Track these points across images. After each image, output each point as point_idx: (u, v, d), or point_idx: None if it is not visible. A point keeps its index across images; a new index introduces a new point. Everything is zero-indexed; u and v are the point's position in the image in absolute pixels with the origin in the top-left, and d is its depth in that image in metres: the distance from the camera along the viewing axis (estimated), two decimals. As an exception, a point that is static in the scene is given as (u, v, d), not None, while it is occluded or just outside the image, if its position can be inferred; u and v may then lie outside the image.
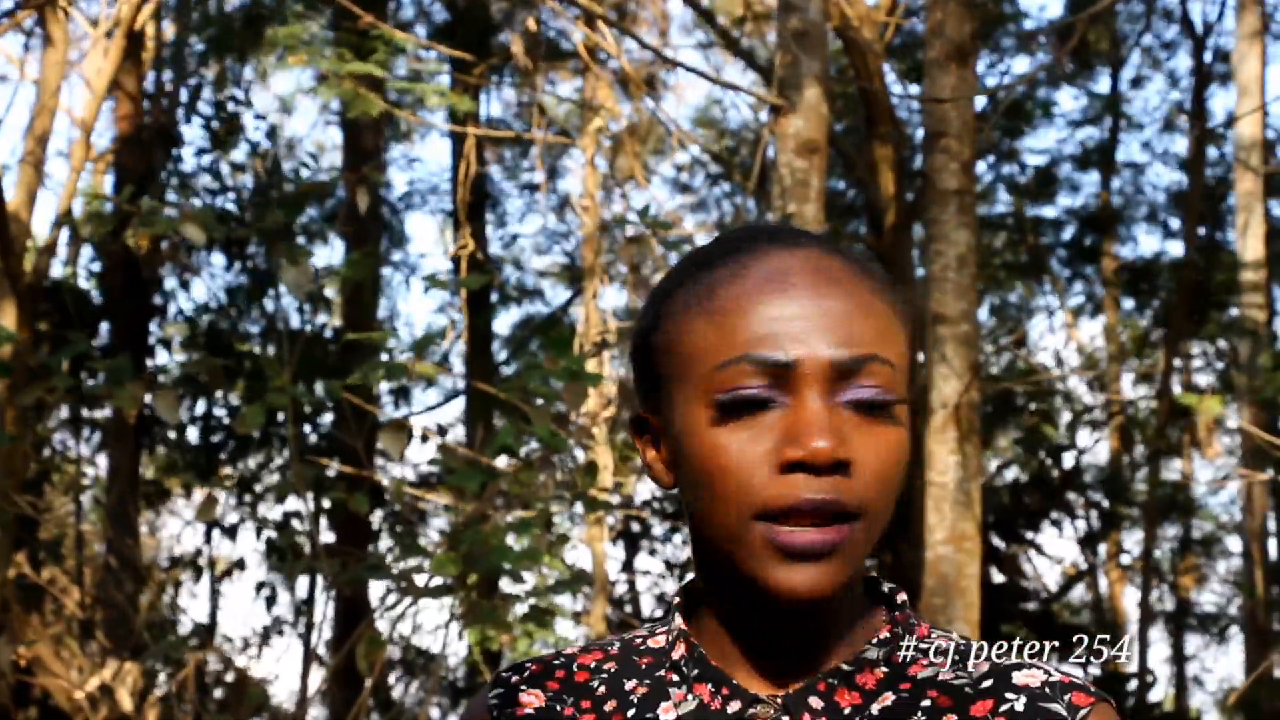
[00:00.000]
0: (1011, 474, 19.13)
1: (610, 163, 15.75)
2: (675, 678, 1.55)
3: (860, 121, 13.21)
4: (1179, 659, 21.46)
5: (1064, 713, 1.48)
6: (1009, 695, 1.49)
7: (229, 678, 13.57)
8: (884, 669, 1.52)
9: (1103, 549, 20.57)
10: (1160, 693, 20.26)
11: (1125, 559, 20.78)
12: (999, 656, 1.55)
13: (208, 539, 14.24)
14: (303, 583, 14.90)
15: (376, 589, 10.96)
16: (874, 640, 1.53)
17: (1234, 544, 22.35)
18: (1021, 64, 19.47)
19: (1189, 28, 19.54)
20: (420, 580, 6.06)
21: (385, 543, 14.69)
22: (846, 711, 1.49)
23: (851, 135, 15.49)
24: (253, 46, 13.35)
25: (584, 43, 9.93)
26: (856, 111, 14.51)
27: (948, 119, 7.94)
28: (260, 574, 15.14)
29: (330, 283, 15.16)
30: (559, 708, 1.59)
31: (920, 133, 10.53)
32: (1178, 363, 20.83)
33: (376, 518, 14.23)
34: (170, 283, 14.29)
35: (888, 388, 1.47)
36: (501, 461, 6.62)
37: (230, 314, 14.17)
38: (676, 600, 1.60)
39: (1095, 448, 21.33)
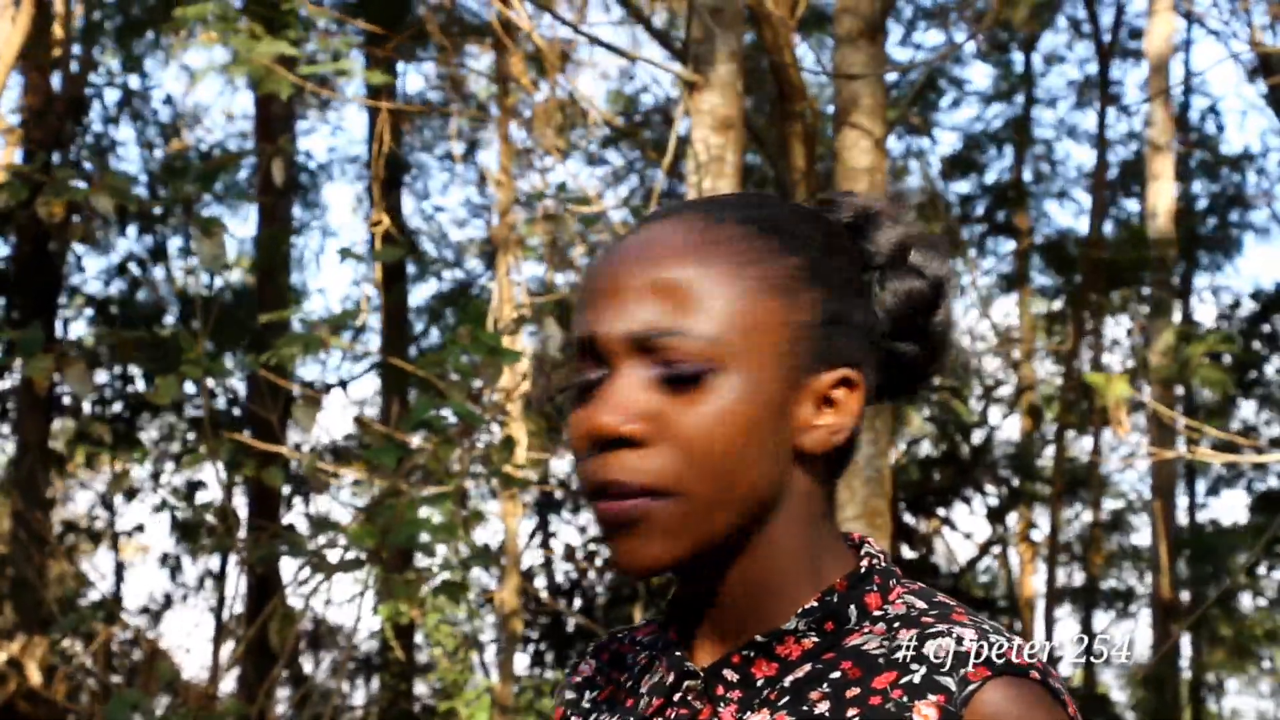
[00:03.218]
0: (924, 450, 19.25)
1: (526, 137, 15.73)
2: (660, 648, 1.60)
3: (771, 98, 13.23)
4: (1087, 635, 21.66)
5: (953, 687, 1.41)
6: (913, 666, 1.43)
7: (138, 651, 13.50)
8: (815, 639, 1.48)
9: (1015, 526, 20.74)
10: (1068, 668, 20.45)
11: (1036, 536, 20.95)
12: (939, 624, 1.47)
13: (109, 509, 14.16)
14: (213, 555, 14.83)
15: (289, 563, 10.94)
16: (799, 610, 1.49)
17: (1144, 522, 22.59)
18: (934, 38, 19.57)
19: (1089, 3, 19.70)
20: (333, 555, 6.05)
21: (298, 515, 14.64)
22: (759, 683, 1.48)
23: (762, 112, 15.52)
24: (162, 21, 13.25)
25: (498, 18, 9.91)
26: (768, 88, 14.54)
27: (858, 96, 7.97)
28: (168, 545, 15.06)
29: (242, 263, 15.10)
30: (597, 677, 1.66)
31: (831, 109, 10.57)
32: (1090, 340, 21.03)
33: (288, 488, 14.19)
34: (80, 254, 14.18)
35: (693, 359, 1.43)
36: (417, 437, 6.61)
37: (140, 286, 14.07)
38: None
39: (1006, 425, 21.51)
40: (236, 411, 14.86)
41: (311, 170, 18.93)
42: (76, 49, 14.71)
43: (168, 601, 14.96)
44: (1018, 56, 20.97)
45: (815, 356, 1.49)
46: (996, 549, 20.50)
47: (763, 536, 1.50)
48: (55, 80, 13.88)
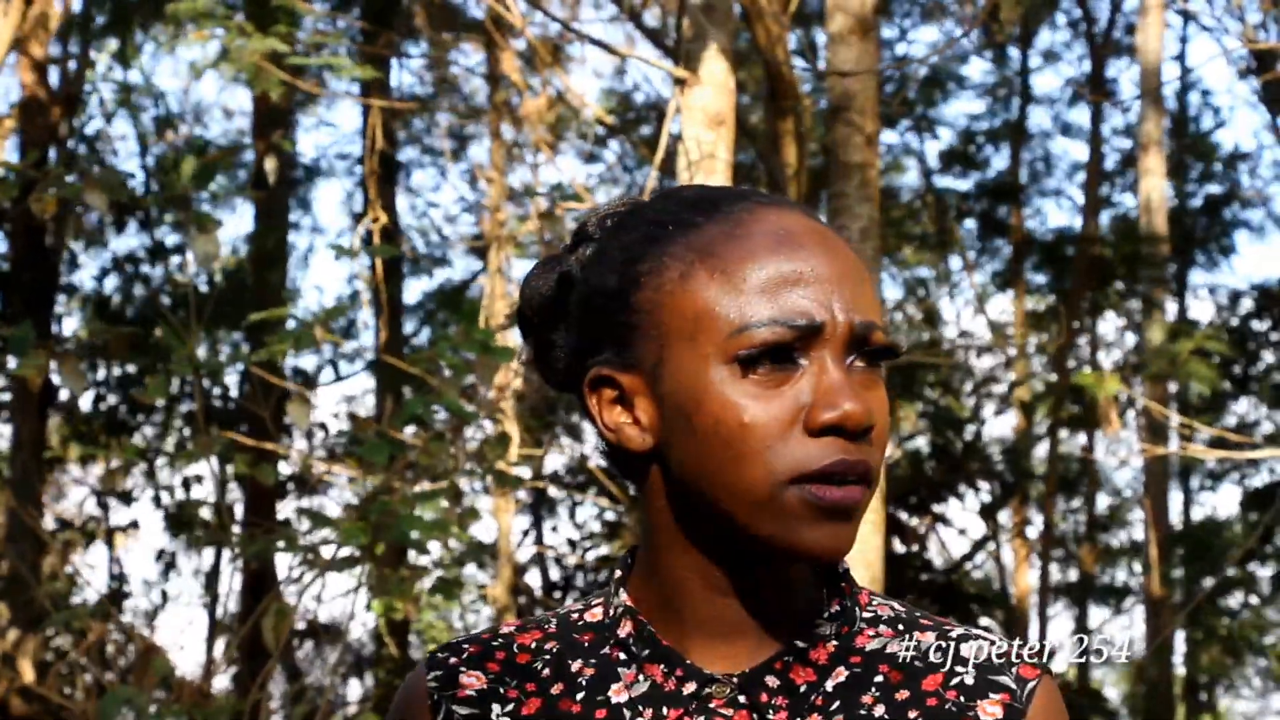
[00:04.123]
0: (917, 446, 19.26)
1: (518, 134, 15.74)
2: (623, 656, 1.54)
3: (764, 94, 13.25)
4: (1082, 631, 21.68)
5: (1013, 685, 1.51)
6: (959, 668, 1.51)
7: (132, 647, 13.51)
8: (835, 643, 1.52)
9: (1009, 523, 20.74)
10: (1062, 664, 20.47)
11: (1030, 532, 20.96)
12: (942, 625, 1.56)
13: (104, 506, 14.16)
14: (208, 552, 14.84)
15: (283, 559, 10.95)
16: (826, 614, 1.52)
17: (1138, 517, 22.60)
18: (929, 34, 19.57)
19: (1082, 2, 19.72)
20: (327, 552, 6.06)
21: (291, 512, 14.64)
22: (802, 689, 1.49)
23: (754, 108, 15.53)
24: (154, 18, 13.25)
25: (490, 15, 9.92)
26: (760, 84, 14.55)
27: (851, 92, 7.98)
28: (162, 542, 15.07)
29: (230, 263, 15.08)
30: (501, 690, 1.56)
31: (824, 105, 10.58)
32: (1085, 338, 21.03)
33: (283, 486, 14.18)
34: (74, 250, 14.18)
35: (885, 354, 1.48)
36: (409, 433, 6.62)
37: (134, 282, 14.07)
38: (618, 574, 1.58)
39: (1000, 421, 21.53)
40: (231, 407, 14.88)
41: (305, 167, 18.92)
42: (74, 45, 14.71)
43: (164, 598, 14.97)
44: (1014, 55, 20.98)
45: None
46: (990, 545, 20.51)
47: None
48: (51, 75, 13.88)
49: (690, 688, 1.49)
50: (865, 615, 1.56)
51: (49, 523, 15.59)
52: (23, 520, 11.27)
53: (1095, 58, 19.73)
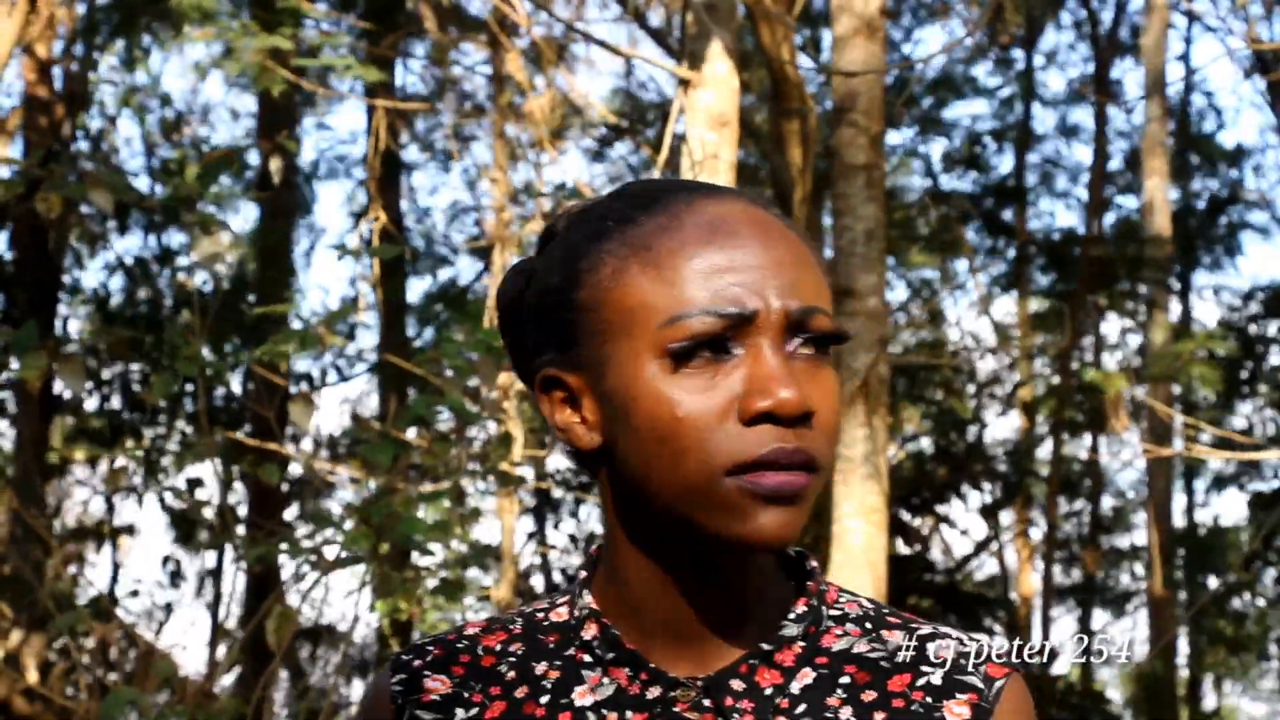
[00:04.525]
0: (920, 447, 19.25)
1: (522, 134, 15.73)
2: (587, 659, 1.52)
3: (768, 95, 13.25)
4: (1086, 633, 21.67)
5: (980, 685, 1.49)
6: (925, 668, 1.50)
7: (135, 649, 13.51)
8: (802, 644, 1.50)
9: (1012, 524, 20.73)
10: (1065, 666, 20.47)
11: (1034, 534, 20.95)
12: (910, 624, 1.54)
13: (110, 508, 14.16)
14: (210, 553, 14.84)
15: (287, 560, 10.94)
16: (792, 615, 1.51)
17: (1142, 520, 22.59)
18: (933, 36, 19.57)
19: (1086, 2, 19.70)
20: (331, 553, 6.05)
21: (295, 513, 14.64)
22: (768, 692, 1.48)
23: (759, 109, 15.52)
24: (159, 16, 13.26)
25: (494, 15, 9.91)
26: (765, 85, 14.56)
27: (856, 93, 7.97)
28: (165, 545, 15.06)
29: (237, 247, 15.06)
30: (466, 694, 1.55)
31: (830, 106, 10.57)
32: (1088, 339, 21.02)
33: (286, 485, 14.18)
34: (78, 251, 14.18)
35: (828, 337, 1.46)
36: (412, 434, 6.61)
37: (138, 282, 14.07)
38: (582, 575, 1.57)
39: (1004, 422, 21.53)
40: (235, 407, 14.86)
41: (308, 171, 18.93)
42: (79, 46, 14.71)
43: (168, 608, 14.96)
44: (1019, 56, 20.97)
45: None
46: (993, 546, 20.50)
47: None
48: (55, 75, 13.88)
49: (655, 692, 1.48)
50: (832, 614, 1.54)
51: (53, 523, 15.58)
52: (25, 521, 11.27)
53: (1099, 59, 19.71)
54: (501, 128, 14.01)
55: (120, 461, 14.15)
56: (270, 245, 14.69)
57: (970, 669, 1.50)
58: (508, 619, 1.61)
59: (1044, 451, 20.92)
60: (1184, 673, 21.02)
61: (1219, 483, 21.38)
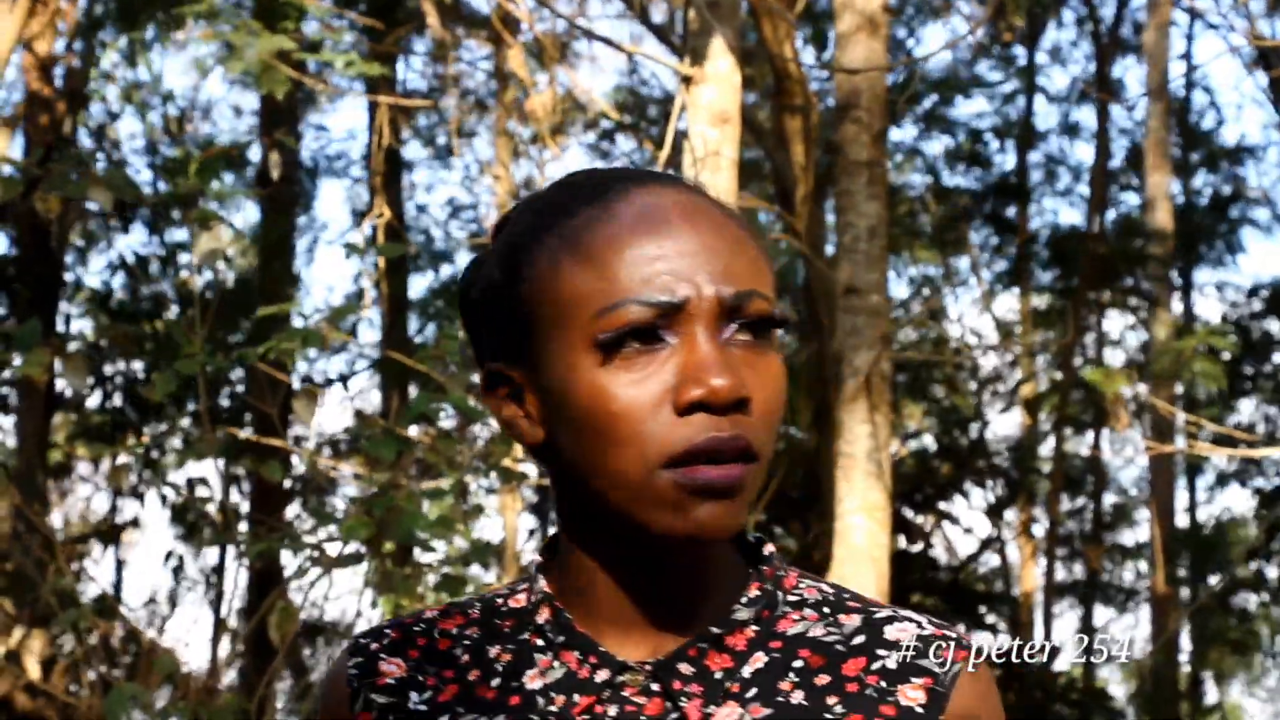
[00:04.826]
0: (923, 444, 19.25)
1: (524, 130, 15.74)
2: (540, 643, 1.51)
3: (770, 91, 13.25)
4: (1088, 630, 21.68)
5: (936, 668, 1.47)
6: (880, 652, 1.48)
7: (138, 645, 13.52)
8: (755, 628, 1.49)
9: (1015, 520, 20.73)
10: (1067, 663, 20.47)
11: (1037, 531, 20.95)
12: (869, 608, 1.52)
13: (114, 506, 14.17)
14: (213, 550, 14.85)
15: (289, 557, 10.95)
16: (744, 599, 1.49)
17: (1145, 517, 22.59)
18: (937, 35, 19.58)
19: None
20: (333, 549, 6.05)
21: (298, 509, 14.64)
22: (718, 676, 1.46)
23: (762, 106, 15.52)
24: (161, 13, 13.24)
25: (497, 11, 9.91)
26: (768, 82, 14.56)
27: (859, 90, 7.98)
28: (168, 541, 15.08)
29: (238, 241, 15.05)
30: (421, 677, 1.54)
31: (832, 103, 10.58)
32: (1090, 336, 21.02)
33: (289, 483, 14.18)
34: (79, 247, 14.18)
35: (769, 322, 1.44)
36: (415, 430, 6.61)
37: (139, 280, 14.08)
38: (538, 560, 1.55)
39: (1006, 419, 21.52)
40: (237, 405, 14.87)
41: (309, 168, 18.94)
42: (79, 42, 14.70)
43: (172, 601, 14.97)
44: (1021, 53, 20.96)
45: None
46: (996, 543, 20.50)
47: None
48: (56, 72, 13.88)
49: (603, 675, 1.47)
50: (790, 599, 1.53)
51: (55, 520, 15.59)
52: (28, 517, 11.27)
53: (1101, 56, 19.70)
54: (504, 124, 14.02)
55: (122, 459, 14.16)
56: (272, 242, 14.70)
57: (927, 653, 1.48)
58: (467, 604, 1.60)
59: (1046, 448, 20.92)
60: (1186, 670, 21.01)
61: (1221, 480, 21.38)
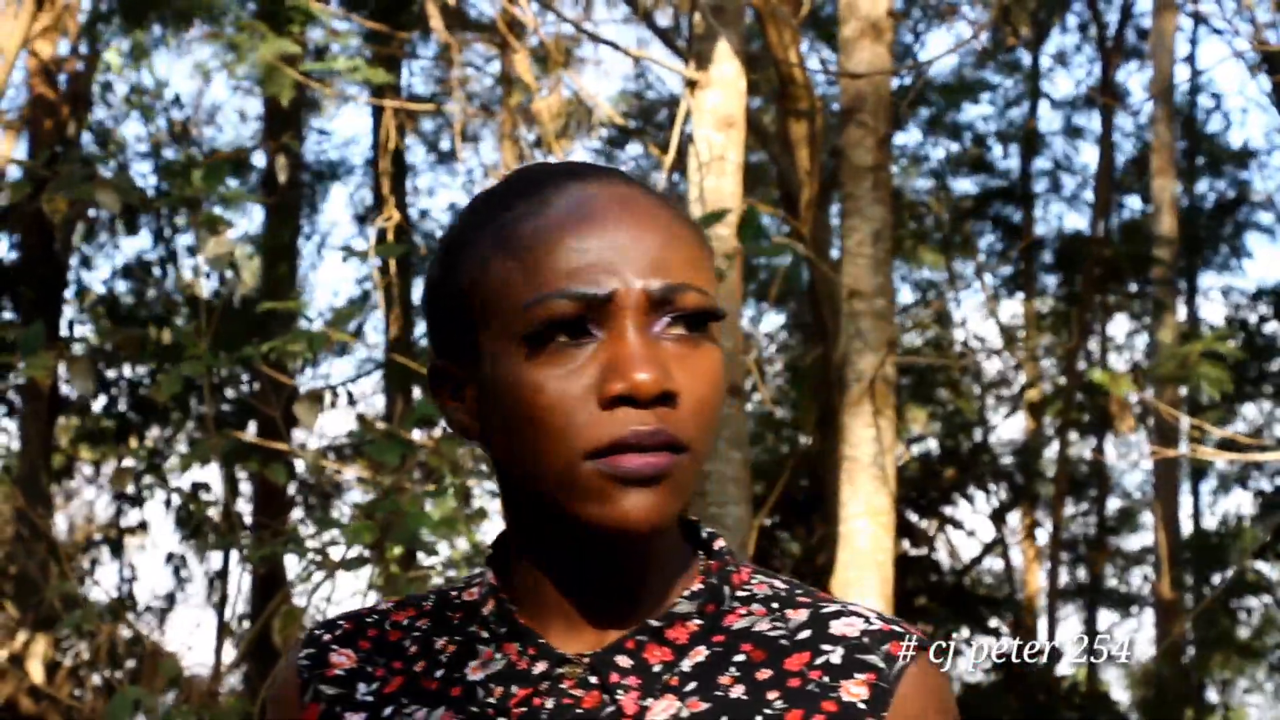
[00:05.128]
0: (927, 448, 19.24)
1: (529, 134, 15.74)
2: (485, 634, 1.51)
3: (776, 96, 13.25)
4: (1091, 634, 21.66)
5: (881, 664, 1.44)
6: (825, 647, 1.46)
7: (141, 649, 13.52)
8: (698, 621, 1.48)
9: (1018, 524, 20.73)
10: (1069, 666, 20.45)
11: (1041, 535, 20.94)
12: (819, 603, 1.50)
13: (119, 509, 14.16)
14: (217, 554, 14.85)
15: (292, 560, 10.95)
16: (686, 593, 1.48)
17: (1148, 520, 22.57)
18: (943, 41, 19.58)
19: (1092, 3, 19.68)
20: (336, 553, 6.05)
21: (301, 513, 14.64)
22: (656, 669, 1.45)
23: (767, 110, 15.52)
24: (167, 14, 13.25)
25: (502, 16, 9.92)
26: (773, 86, 14.56)
27: (863, 95, 7.98)
28: (172, 544, 15.09)
29: (239, 249, 15.06)
30: (370, 668, 1.54)
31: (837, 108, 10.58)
32: (1095, 340, 21.01)
33: (293, 488, 14.18)
34: (84, 251, 14.18)
35: (703, 315, 1.43)
36: (418, 434, 6.60)
37: (144, 283, 14.08)
38: (489, 552, 1.55)
39: (1010, 424, 21.50)
40: (242, 409, 14.88)
41: (316, 170, 18.95)
42: (84, 45, 14.70)
43: (171, 602, 14.96)
44: (1025, 57, 20.96)
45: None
46: (1000, 547, 20.49)
47: None
48: (61, 75, 13.88)
49: (541, 667, 1.46)
50: (740, 594, 1.51)
51: (60, 524, 15.60)
52: (32, 521, 11.28)
53: (1105, 61, 19.70)
54: (509, 128, 14.03)
55: (127, 462, 14.17)
56: (276, 246, 14.71)
57: (873, 648, 1.45)
58: (423, 596, 1.60)
59: (1051, 452, 20.91)
60: (1191, 674, 21.00)
61: (1224, 483, 21.37)
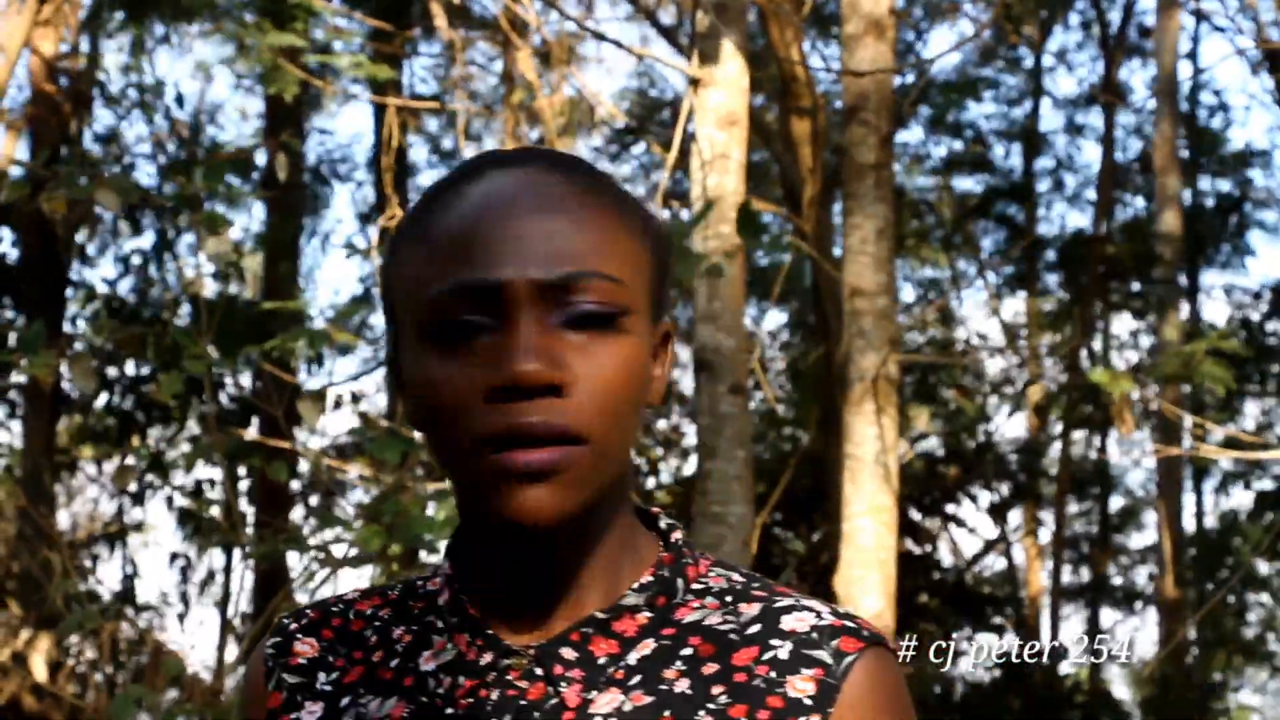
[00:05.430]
0: (930, 447, 19.24)
1: (532, 132, 15.74)
2: (440, 624, 1.51)
3: (779, 94, 13.25)
4: (1094, 633, 21.65)
5: (829, 659, 1.42)
6: (774, 642, 1.43)
7: (144, 647, 13.51)
8: (648, 614, 1.46)
9: (1021, 522, 20.72)
10: (1072, 666, 20.44)
11: (1044, 534, 20.94)
12: (774, 597, 1.48)
13: (120, 507, 14.16)
14: (219, 552, 14.85)
15: (295, 558, 10.95)
16: (635, 585, 1.47)
17: (1151, 519, 22.57)
18: (946, 39, 19.58)
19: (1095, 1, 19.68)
20: (339, 551, 6.05)
21: (303, 511, 14.64)
22: (602, 661, 1.44)
23: (770, 108, 15.51)
24: (170, 11, 13.25)
25: (505, 13, 9.92)
26: (775, 84, 14.56)
27: (866, 93, 7.97)
28: (175, 543, 15.09)
29: (246, 248, 15.06)
30: (330, 658, 1.54)
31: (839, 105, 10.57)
32: (1096, 338, 21.00)
33: (295, 486, 14.17)
34: (85, 250, 14.17)
35: (609, 302, 1.41)
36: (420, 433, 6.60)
37: (145, 281, 14.07)
38: (449, 543, 1.54)
39: (1013, 422, 21.50)
40: (244, 408, 14.87)
41: (318, 171, 18.96)
42: (85, 43, 14.69)
43: (186, 604, 14.95)
44: (1028, 55, 20.95)
45: (659, 305, 1.49)
46: (1002, 546, 20.49)
47: (614, 497, 1.47)
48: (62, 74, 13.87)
49: (488, 658, 1.46)
50: (695, 587, 1.49)
51: (62, 522, 15.60)
52: (35, 520, 11.28)
53: (1108, 59, 19.69)
54: (512, 127, 14.02)
55: (129, 460, 14.16)
56: (278, 244, 14.70)
57: (822, 643, 1.43)
58: (390, 586, 1.60)
59: (1053, 451, 20.91)
60: (1195, 673, 20.99)
61: (1226, 481, 21.36)
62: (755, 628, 1.45)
